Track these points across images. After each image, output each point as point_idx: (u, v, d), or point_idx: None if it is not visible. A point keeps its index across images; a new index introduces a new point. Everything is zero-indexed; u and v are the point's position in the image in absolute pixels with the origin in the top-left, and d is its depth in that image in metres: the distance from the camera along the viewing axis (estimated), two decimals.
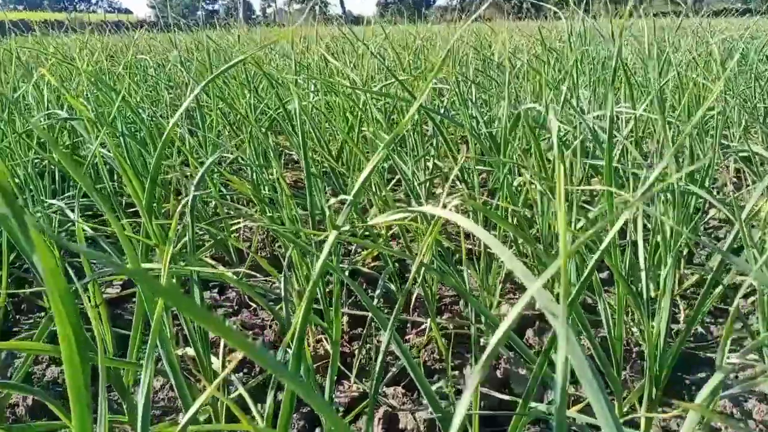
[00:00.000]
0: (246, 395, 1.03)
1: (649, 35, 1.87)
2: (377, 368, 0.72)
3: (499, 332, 0.34)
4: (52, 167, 1.75)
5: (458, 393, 1.05)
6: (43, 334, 0.81)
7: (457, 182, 2.12)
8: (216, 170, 0.99)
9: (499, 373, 1.08)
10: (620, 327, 0.87)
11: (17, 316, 1.44)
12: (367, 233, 1.60)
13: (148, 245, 0.87)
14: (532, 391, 0.68)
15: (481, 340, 1.25)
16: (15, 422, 1.12)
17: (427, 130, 2.00)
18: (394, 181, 2.18)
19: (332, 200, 0.88)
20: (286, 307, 1.01)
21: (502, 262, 1.23)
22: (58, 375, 1.21)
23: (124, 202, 2.08)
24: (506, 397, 1.00)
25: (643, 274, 0.87)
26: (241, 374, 1.18)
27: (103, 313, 0.86)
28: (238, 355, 1.11)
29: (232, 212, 1.67)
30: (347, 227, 0.64)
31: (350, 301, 1.47)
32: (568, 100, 1.43)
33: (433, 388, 1.06)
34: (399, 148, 1.59)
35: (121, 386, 0.90)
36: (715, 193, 1.88)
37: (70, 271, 0.82)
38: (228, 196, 2.03)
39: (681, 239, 0.99)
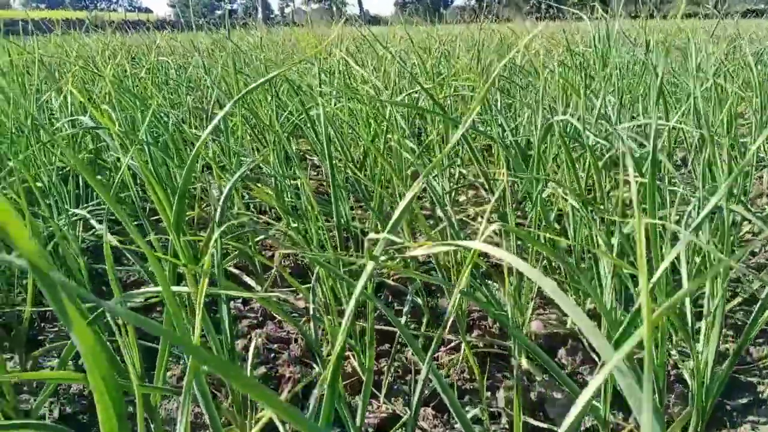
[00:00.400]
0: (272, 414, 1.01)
1: (676, 38, 1.82)
2: (416, 398, 0.70)
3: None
4: (76, 173, 1.75)
5: (492, 417, 1.02)
6: (69, 355, 0.79)
7: (483, 191, 2.09)
8: (239, 177, 0.97)
9: (532, 396, 1.05)
10: (663, 354, 0.83)
11: (42, 324, 1.43)
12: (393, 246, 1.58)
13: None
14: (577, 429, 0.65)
15: (512, 359, 1.22)
16: None
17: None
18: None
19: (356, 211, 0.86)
20: (314, 326, 0.99)
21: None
22: (83, 387, 1.20)
23: (147, 208, 2.07)
24: (541, 425, 0.97)
25: (687, 300, 0.83)
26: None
27: (131, 333, 0.85)
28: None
29: (255, 220, 1.66)
30: (382, 257, 0.61)
31: (376, 314, 1.44)
32: (594, 109, 1.40)
33: (467, 412, 1.03)
34: (425, 158, 1.56)
35: (149, 406, 0.89)
36: (748, 205, 1.83)
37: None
38: (249, 204, 2.02)
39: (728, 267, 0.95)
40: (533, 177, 0.92)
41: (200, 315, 0.52)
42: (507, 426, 0.98)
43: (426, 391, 1.14)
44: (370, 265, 0.57)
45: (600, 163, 1.29)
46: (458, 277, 1.20)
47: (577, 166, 1.27)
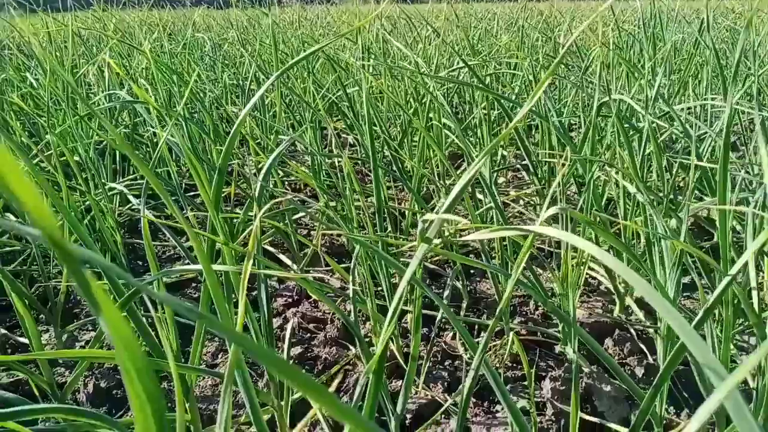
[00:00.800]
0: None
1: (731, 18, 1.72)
2: (466, 389, 0.66)
3: None
4: (113, 148, 1.74)
5: (536, 408, 0.98)
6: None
7: (524, 173, 2.03)
8: (281, 153, 0.94)
9: (580, 385, 1.00)
10: (727, 350, 0.78)
11: (78, 298, 1.43)
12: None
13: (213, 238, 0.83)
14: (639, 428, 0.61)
15: (556, 348, 1.17)
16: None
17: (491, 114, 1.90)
18: (457, 164, 2.10)
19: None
20: (353, 308, 0.95)
21: (577, 264, 1.15)
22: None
23: (184, 185, 2.06)
24: (590, 418, 0.92)
25: (755, 293, 0.77)
26: (303, 371, 1.14)
27: (168, 310, 0.82)
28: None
29: (291, 199, 1.63)
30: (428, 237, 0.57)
31: (413, 297, 1.41)
32: (648, 89, 1.32)
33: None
34: (466, 136, 1.51)
35: (185, 385, 0.87)
36: None
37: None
38: (284, 181, 1.99)
39: None
40: (590, 159, 0.86)
41: (243, 299, 0.49)
42: (553, 418, 0.94)
43: (459, 374, 1.10)
44: (422, 248, 0.53)
45: (654, 145, 1.22)
46: (501, 260, 1.15)
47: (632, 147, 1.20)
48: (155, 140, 1.98)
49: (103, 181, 1.43)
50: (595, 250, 0.40)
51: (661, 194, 0.99)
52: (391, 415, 0.80)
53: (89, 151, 1.45)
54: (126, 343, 0.21)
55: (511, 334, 0.83)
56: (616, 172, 1.07)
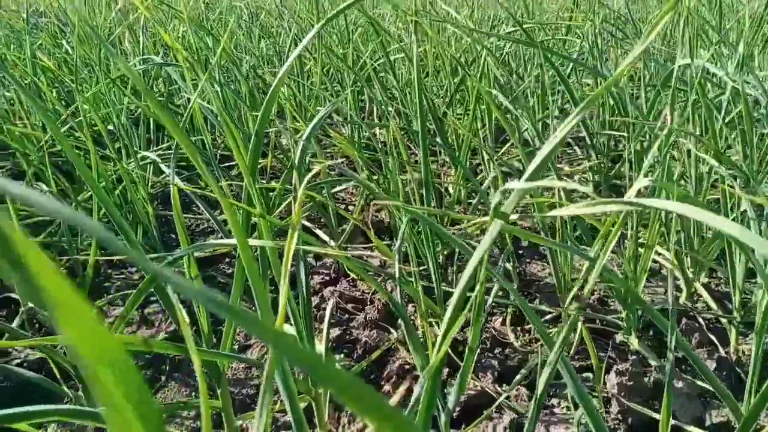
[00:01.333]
0: None
1: None
2: (540, 389, 0.57)
3: None
4: (147, 116, 1.68)
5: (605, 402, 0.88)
6: (132, 309, 0.71)
7: (576, 148, 1.90)
8: (323, 118, 0.85)
9: (648, 381, 0.90)
10: None
11: (109, 271, 1.39)
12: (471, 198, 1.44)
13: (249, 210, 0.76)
14: None
15: (616, 336, 1.07)
16: None
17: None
18: (503, 138, 1.99)
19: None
20: (399, 290, 0.87)
21: (646, 247, 1.04)
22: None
23: (218, 155, 2.00)
24: (660, 417, 0.82)
25: None
26: (342, 355, 1.06)
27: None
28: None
29: (329, 163, 1.55)
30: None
31: (459, 277, 1.32)
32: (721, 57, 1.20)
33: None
34: (514, 105, 1.40)
35: (217, 372, 0.80)
36: None
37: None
38: (322, 153, 1.91)
39: None
40: (674, 129, 0.75)
41: (285, 283, 0.41)
42: (620, 417, 0.85)
43: (510, 363, 1.01)
44: (495, 225, 0.44)
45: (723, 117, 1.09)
46: (561, 238, 1.05)
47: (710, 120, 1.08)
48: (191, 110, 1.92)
49: (135, 149, 1.37)
50: (690, 210, 0.30)
51: (746, 169, 0.88)
52: (441, 410, 0.72)
53: (121, 118, 1.39)
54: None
55: (581, 327, 0.73)
56: (695, 146, 0.96)
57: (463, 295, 0.47)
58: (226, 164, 1.81)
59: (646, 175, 0.76)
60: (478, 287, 0.55)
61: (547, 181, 0.40)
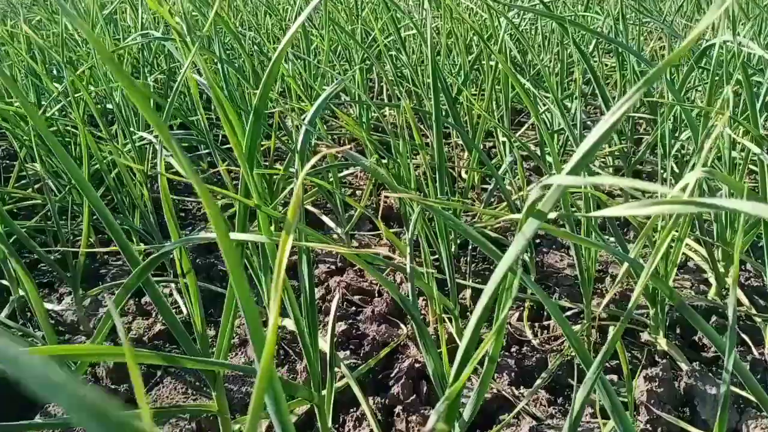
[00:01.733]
0: (355, 386, 0.85)
1: None
2: (577, 405, 0.50)
3: None
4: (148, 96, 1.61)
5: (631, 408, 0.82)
6: (123, 299, 0.64)
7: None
8: (329, 96, 0.78)
9: (679, 386, 0.83)
10: None
11: (105, 257, 1.32)
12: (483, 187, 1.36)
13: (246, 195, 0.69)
14: None
15: (642, 335, 1.00)
16: (95, 382, 1.00)
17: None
18: (517, 121, 1.91)
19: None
20: (411, 286, 0.80)
21: (677, 240, 0.96)
22: (144, 332, 1.08)
23: (220, 136, 1.93)
24: (691, 429, 0.75)
25: None
26: (348, 352, 1.00)
27: (192, 286, 0.69)
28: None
29: (336, 149, 1.47)
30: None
31: (473, 269, 1.25)
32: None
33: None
34: (534, 85, 1.31)
35: (212, 374, 0.74)
36: None
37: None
38: (328, 135, 1.84)
39: None
40: (712, 109, 0.68)
41: (278, 294, 0.34)
42: (649, 427, 0.78)
43: (528, 362, 0.94)
44: (531, 225, 0.37)
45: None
46: (586, 232, 0.98)
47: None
48: (187, 87, 1.84)
49: (131, 130, 1.29)
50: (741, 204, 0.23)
51: None
52: (455, 421, 0.65)
53: (116, 97, 1.32)
54: None
55: (612, 328, 0.66)
56: (732, 129, 0.88)
57: (484, 316, 0.40)
58: (229, 145, 1.74)
59: (687, 165, 0.68)
60: (504, 298, 0.48)
61: (596, 178, 0.33)
